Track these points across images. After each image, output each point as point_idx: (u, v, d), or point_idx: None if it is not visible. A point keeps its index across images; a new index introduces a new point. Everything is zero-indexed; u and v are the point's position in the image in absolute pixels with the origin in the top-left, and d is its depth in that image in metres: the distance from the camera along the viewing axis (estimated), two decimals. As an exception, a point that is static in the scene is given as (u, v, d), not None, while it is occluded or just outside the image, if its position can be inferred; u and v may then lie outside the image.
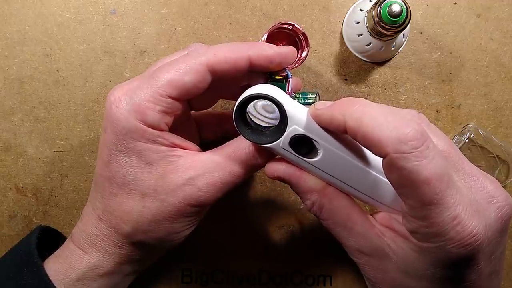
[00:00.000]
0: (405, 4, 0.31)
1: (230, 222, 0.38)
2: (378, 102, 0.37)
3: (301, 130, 0.25)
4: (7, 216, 0.38)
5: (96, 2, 0.38)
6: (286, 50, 0.28)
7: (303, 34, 0.31)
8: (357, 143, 0.24)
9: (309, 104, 0.30)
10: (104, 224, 0.28)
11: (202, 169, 0.27)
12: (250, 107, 0.26)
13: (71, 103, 0.38)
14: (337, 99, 0.37)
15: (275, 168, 0.27)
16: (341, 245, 0.28)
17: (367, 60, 0.37)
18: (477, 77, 0.38)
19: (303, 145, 0.26)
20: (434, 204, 0.21)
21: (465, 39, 0.38)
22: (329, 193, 0.26)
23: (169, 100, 0.26)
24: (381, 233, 0.26)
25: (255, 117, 0.26)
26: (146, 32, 0.38)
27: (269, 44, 0.28)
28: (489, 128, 0.38)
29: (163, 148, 0.26)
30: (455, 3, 0.38)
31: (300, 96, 0.30)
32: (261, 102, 0.26)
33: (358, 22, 0.36)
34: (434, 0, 0.37)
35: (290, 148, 0.25)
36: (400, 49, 0.37)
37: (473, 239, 0.21)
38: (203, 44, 0.29)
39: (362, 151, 0.26)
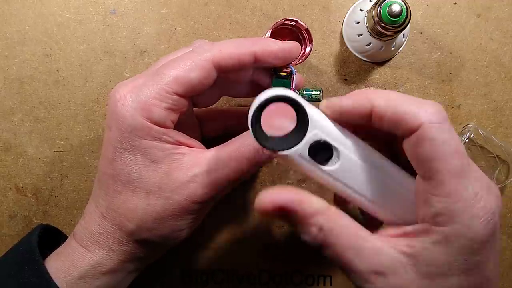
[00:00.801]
0: (405, 4, 0.31)
1: (230, 222, 0.38)
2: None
3: (322, 135, 0.23)
4: (7, 216, 0.38)
5: (96, 2, 0.38)
6: (290, 46, 0.28)
7: (307, 30, 0.31)
8: (373, 149, 0.24)
9: (314, 100, 0.30)
10: (107, 222, 0.28)
11: (207, 167, 0.27)
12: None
13: (71, 103, 0.38)
14: (337, 99, 0.37)
15: (272, 198, 0.22)
16: (350, 276, 0.24)
17: (367, 60, 0.37)
18: (477, 77, 0.38)
19: (320, 152, 0.23)
20: (462, 177, 0.21)
21: (465, 39, 0.38)
22: (334, 213, 0.23)
23: (175, 97, 0.26)
24: (392, 243, 0.23)
25: None
26: (146, 32, 0.38)
27: (274, 39, 0.28)
28: (489, 128, 0.38)
29: (168, 146, 0.27)
30: (455, 3, 0.38)
31: (305, 93, 0.30)
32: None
33: (358, 22, 0.36)
34: (434, 0, 0.37)
35: (308, 156, 0.23)
36: (400, 49, 0.37)
37: (493, 215, 0.21)
38: (207, 41, 0.29)
39: (379, 155, 0.24)
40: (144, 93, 0.26)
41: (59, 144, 0.38)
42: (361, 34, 0.35)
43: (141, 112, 0.25)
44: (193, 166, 0.27)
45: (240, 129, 0.27)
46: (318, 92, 0.30)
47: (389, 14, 0.31)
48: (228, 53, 0.26)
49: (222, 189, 0.27)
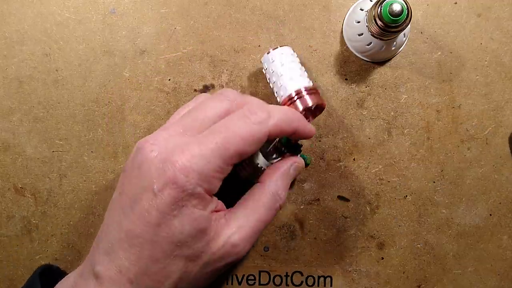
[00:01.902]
0: (406, 4, 0.31)
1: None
2: (378, 102, 0.37)
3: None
4: (5, 216, 0.38)
5: (96, 1, 0.37)
6: (313, 130, 0.31)
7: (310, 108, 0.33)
8: None
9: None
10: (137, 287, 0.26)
11: (236, 227, 0.28)
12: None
13: (70, 102, 0.38)
14: (337, 99, 0.37)
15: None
16: None
17: (368, 59, 0.37)
18: (477, 77, 0.38)
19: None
20: None
21: (465, 39, 0.37)
22: None
23: (231, 167, 0.26)
24: None
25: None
26: (146, 32, 0.37)
27: (307, 122, 0.31)
28: (490, 128, 0.38)
29: (213, 214, 0.27)
30: (456, 3, 0.37)
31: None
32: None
33: (359, 22, 0.35)
34: (434, 0, 0.37)
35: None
36: (401, 48, 0.37)
37: None
38: (257, 101, 0.29)
39: None
40: (207, 167, 0.25)
41: (58, 144, 0.38)
42: (362, 34, 0.35)
43: (203, 184, 0.25)
44: (227, 229, 0.27)
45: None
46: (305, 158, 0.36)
47: (389, 14, 0.31)
48: (280, 129, 0.27)
49: (252, 241, 0.29)
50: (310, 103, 0.31)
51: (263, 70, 0.34)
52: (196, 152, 0.25)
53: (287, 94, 0.32)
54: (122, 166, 0.38)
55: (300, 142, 0.33)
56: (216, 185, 0.26)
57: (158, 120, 0.38)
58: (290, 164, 0.31)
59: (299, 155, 0.33)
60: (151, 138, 0.27)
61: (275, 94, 0.34)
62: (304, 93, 0.32)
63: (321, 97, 0.33)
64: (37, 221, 0.38)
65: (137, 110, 0.38)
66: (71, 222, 0.38)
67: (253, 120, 0.26)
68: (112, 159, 0.38)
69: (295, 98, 0.32)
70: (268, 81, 0.34)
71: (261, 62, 0.34)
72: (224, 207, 0.29)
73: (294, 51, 0.34)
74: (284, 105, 0.32)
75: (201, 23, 0.38)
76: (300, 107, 0.32)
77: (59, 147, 0.38)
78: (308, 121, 0.33)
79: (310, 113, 0.33)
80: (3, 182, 0.38)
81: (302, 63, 0.34)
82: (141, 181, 0.26)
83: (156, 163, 0.26)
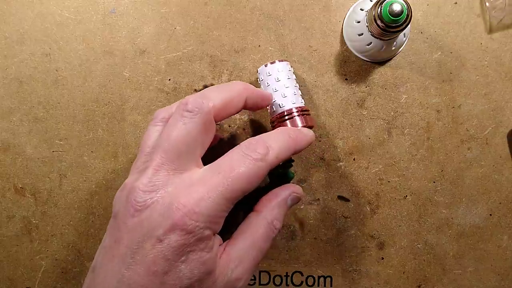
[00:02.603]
0: (406, 4, 0.31)
1: (230, 222, 0.38)
2: (378, 102, 0.37)
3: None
4: (6, 216, 0.38)
5: (96, 1, 0.37)
6: (312, 137, 0.31)
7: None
8: None
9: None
10: None
11: (238, 260, 0.27)
12: None
13: (70, 102, 0.38)
14: (337, 99, 0.37)
15: None
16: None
17: (368, 59, 0.37)
18: (477, 77, 0.38)
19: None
20: None
21: (465, 39, 0.37)
22: None
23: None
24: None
25: None
26: (146, 32, 0.37)
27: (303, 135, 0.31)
28: (490, 128, 0.38)
29: (219, 254, 0.27)
30: (456, 3, 0.37)
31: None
32: None
33: (359, 22, 0.35)
34: (434, 0, 0.37)
35: None
36: (401, 48, 0.37)
37: None
38: (262, 142, 0.28)
39: None
40: (215, 209, 0.25)
41: (58, 144, 0.38)
42: (362, 34, 0.35)
43: (210, 226, 0.25)
44: (229, 264, 0.27)
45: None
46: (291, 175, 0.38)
47: (389, 14, 0.31)
48: (281, 159, 0.28)
49: (253, 271, 0.29)
50: (299, 125, 0.33)
51: (258, 80, 0.35)
52: (204, 194, 0.25)
53: (279, 111, 0.33)
54: (122, 166, 0.38)
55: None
56: (221, 224, 0.26)
57: (158, 120, 0.38)
58: (288, 194, 0.30)
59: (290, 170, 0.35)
60: (144, 181, 0.25)
61: (267, 106, 0.35)
62: (295, 114, 0.33)
63: (312, 118, 0.34)
64: (37, 221, 0.38)
65: (137, 110, 0.38)
66: (71, 222, 0.38)
67: (255, 158, 0.26)
68: (112, 159, 0.38)
69: (286, 118, 0.33)
70: None
71: (257, 71, 0.35)
72: (221, 239, 0.28)
73: (291, 67, 0.34)
74: (273, 121, 0.34)
75: (201, 23, 0.38)
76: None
77: (59, 147, 0.38)
78: None
79: None
80: (3, 182, 0.38)
81: (297, 76, 0.35)
82: (141, 228, 0.24)
83: (159, 208, 0.24)
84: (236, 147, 0.27)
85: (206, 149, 0.28)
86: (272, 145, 0.27)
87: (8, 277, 0.38)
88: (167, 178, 0.26)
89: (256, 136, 0.28)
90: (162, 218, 0.24)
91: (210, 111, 0.27)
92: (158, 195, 0.25)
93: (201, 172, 0.26)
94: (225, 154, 0.27)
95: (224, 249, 0.27)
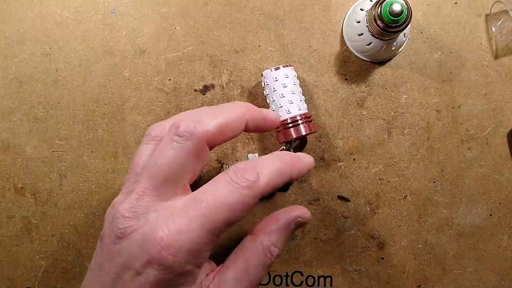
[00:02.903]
0: (406, 4, 0.31)
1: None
2: (378, 102, 0.37)
3: None
4: (6, 216, 0.38)
5: (96, 1, 0.37)
6: (312, 163, 0.29)
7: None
8: None
9: None
10: None
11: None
12: None
13: (70, 102, 0.38)
14: (337, 99, 0.37)
15: None
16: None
17: (368, 59, 0.37)
18: (477, 77, 0.38)
19: None
20: None
21: (465, 39, 0.37)
22: None
23: (220, 236, 0.24)
24: None
25: None
26: (146, 32, 0.37)
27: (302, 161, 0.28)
28: (490, 128, 0.38)
29: (204, 282, 0.25)
30: (456, 3, 0.37)
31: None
32: None
33: (359, 22, 0.35)
34: (434, 0, 0.37)
35: None
36: (401, 48, 0.37)
37: None
38: (248, 167, 0.26)
39: None
40: (195, 242, 0.23)
41: (58, 144, 0.38)
42: (362, 34, 0.35)
43: (190, 260, 0.23)
44: None
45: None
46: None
47: (389, 14, 0.31)
48: (273, 187, 0.25)
49: None
50: (303, 132, 0.34)
51: (262, 84, 0.35)
52: (183, 226, 0.23)
53: (284, 118, 0.34)
54: (122, 166, 0.38)
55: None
56: (206, 256, 0.24)
57: (158, 120, 0.38)
58: (291, 219, 0.27)
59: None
60: (127, 206, 0.24)
61: (271, 109, 0.35)
62: (299, 121, 0.34)
63: (315, 125, 0.35)
64: (37, 221, 0.38)
65: (137, 110, 0.38)
66: (71, 222, 0.38)
67: (242, 185, 0.24)
68: (112, 159, 0.38)
69: (290, 125, 0.34)
70: (266, 95, 0.35)
71: (261, 75, 0.35)
72: (214, 264, 0.27)
73: (295, 72, 0.35)
74: (278, 127, 0.34)
75: (201, 23, 0.38)
76: (294, 135, 0.34)
77: (59, 147, 0.38)
78: (296, 138, 0.34)
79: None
80: (3, 182, 0.38)
81: (297, 76, 0.35)
82: (121, 257, 0.23)
83: (137, 239, 0.23)
84: (223, 172, 0.25)
85: (197, 175, 0.26)
86: (263, 171, 0.25)
87: (8, 277, 0.38)
88: (150, 205, 0.24)
89: (246, 161, 0.26)
90: (140, 251, 0.23)
91: (203, 137, 0.25)
92: (138, 223, 0.24)
93: (184, 200, 0.24)
94: (211, 180, 0.25)
95: (214, 278, 0.25)
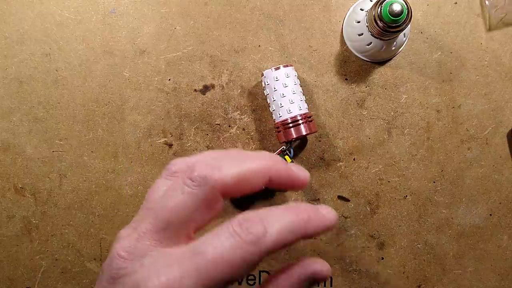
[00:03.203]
0: (406, 4, 0.31)
1: (230, 222, 0.38)
2: (378, 102, 0.37)
3: None
4: (6, 216, 0.38)
5: (96, 1, 0.37)
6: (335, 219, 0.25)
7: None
8: None
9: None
10: None
11: None
12: None
13: (70, 102, 0.37)
14: (337, 99, 0.37)
15: None
16: None
17: (368, 59, 0.37)
18: (477, 77, 0.38)
19: None
20: None
21: (465, 39, 0.37)
22: None
23: None
24: None
25: None
26: (146, 32, 0.37)
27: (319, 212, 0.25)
28: (490, 128, 0.38)
29: None
30: (456, 3, 0.37)
31: None
32: None
33: (359, 22, 0.35)
34: (434, 0, 0.37)
35: None
36: (401, 48, 0.37)
37: None
38: (259, 220, 0.23)
39: None
40: None
41: (58, 144, 0.38)
42: (362, 34, 0.35)
43: None
44: None
45: None
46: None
47: (389, 14, 0.31)
48: (282, 244, 0.22)
49: None
50: (304, 132, 0.34)
51: (263, 83, 0.35)
52: (175, 281, 0.21)
53: (284, 117, 0.34)
54: (122, 166, 0.38)
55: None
56: None
57: (158, 120, 0.38)
58: (305, 275, 0.24)
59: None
60: (125, 245, 0.23)
61: (271, 109, 0.35)
62: (300, 121, 0.34)
63: (315, 125, 0.35)
64: (37, 221, 0.38)
65: (137, 110, 0.38)
66: (71, 222, 0.38)
67: (245, 239, 0.21)
68: (112, 159, 0.38)
69: (291, 125, 0.34)
70: (266, 95, 0.36)
71: (262, 74, 0.35)
72: None
73: (296, 72, 0.36)
74: (278, 126, 0.34)
75: (201, 23, 0.38)
76: (294, 135, 0.34)
77: (59, 147, 0.38)
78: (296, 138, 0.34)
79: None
80: (3, 182, 0.38)
81: (300, 80, 0.36)
82: None
83: (129, 286, 0.22)
84: (228, 221, 0.22)
85: (205, 225, 0.24)
86: (272, 224, 0.22)
87: (8, 277, 0.38)
88: (148, 249, 0.23)
89: (255, 211, 0.23)
90: None
91: (216, 187, 0.23)
92: (133, 266, 0.23)
93: (183, 249, 0.23)
94: (215, 228, 0.23)
95: None
